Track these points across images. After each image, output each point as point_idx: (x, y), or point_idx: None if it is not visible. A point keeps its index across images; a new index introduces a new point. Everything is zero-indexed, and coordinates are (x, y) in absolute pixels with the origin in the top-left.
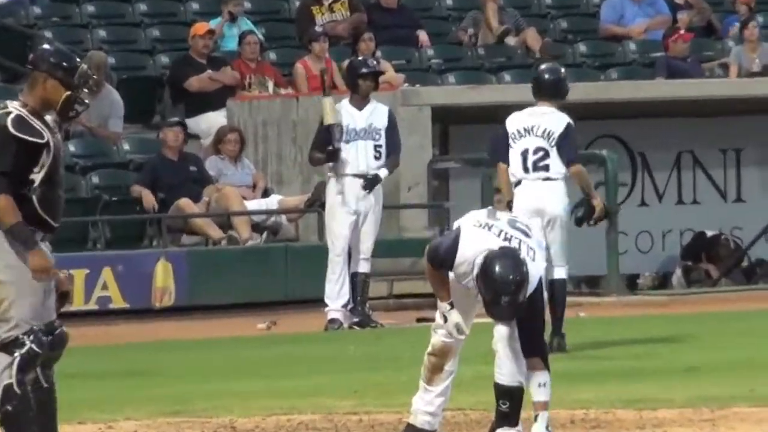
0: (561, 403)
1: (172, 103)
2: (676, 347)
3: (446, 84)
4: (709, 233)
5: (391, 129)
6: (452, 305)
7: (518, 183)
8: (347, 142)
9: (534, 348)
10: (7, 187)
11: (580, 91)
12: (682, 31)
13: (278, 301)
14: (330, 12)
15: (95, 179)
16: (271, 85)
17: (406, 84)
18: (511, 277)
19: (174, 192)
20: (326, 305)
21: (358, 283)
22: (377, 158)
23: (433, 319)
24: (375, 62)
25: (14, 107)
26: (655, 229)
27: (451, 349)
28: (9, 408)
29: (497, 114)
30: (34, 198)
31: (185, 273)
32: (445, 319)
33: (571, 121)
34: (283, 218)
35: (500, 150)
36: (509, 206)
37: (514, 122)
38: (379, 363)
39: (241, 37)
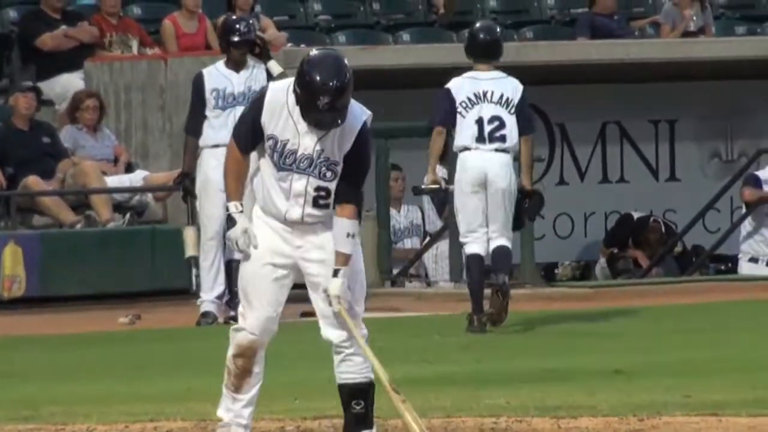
0: (468, 410)
1: (22, 63)
2: (601, 347)
3: (336, 44)
4: (637, 215)
5: None
6: (242, 208)
7: (463, 149)
8: (223, 108)
9: (350, 195)
10: None
11: None
12: None
13: (143, 291)
14: None
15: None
16: (135, 44)
17: (290, 44)
18: (332, 80)
19: (24, 167)
20: (198, 297)
21: (234, 271)
22: None
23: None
24: (251, 24)
25: None
26: (576, 212)
27: (258, 345)
28: None
29: (396, 78)
30: None
31: (37, 259)
32: (231, 224)
33: (523, 87)
34: (150, 197)
35: (443, 114)
36: (435, 182)
37: (462, 89)
38: None
39: None
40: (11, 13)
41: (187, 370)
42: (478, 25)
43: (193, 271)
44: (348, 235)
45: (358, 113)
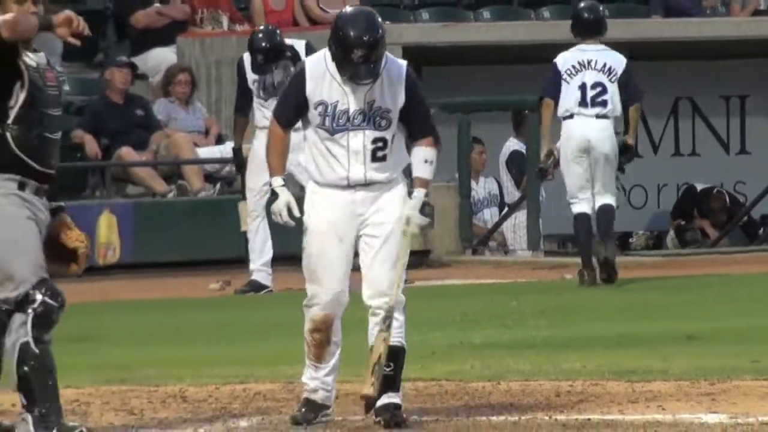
0: (545, 373)
1: (117, 39)
2: (673, 313)
3: (420, 21)
4: (700, 186)
5: None
6: (285, 183)
7: (568, 117)
8: (266, 99)
9: (425, 129)
10: None
11: (566, 30)
12: None
13: (233, 258)
14: None
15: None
16: (225, 20)
17: None
18: (365, 36)
19: (119, 138)
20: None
21: None
22: None
23: None
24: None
25: None
26: (649, 184)
27: (332, 318)
28: (26, 369)
29: (476, 54)
30: (9, 136)
31: (131, 227)
32: (275, 197)
33: (627, 60)
34: None
35: (551, 86)
36: (550, 154)
37: (567, 60)
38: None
39: None
40: None
41: (276, 334)
42: (582, 5)
43: (249, 243)
44: (426, 161)
45: (399, 62)
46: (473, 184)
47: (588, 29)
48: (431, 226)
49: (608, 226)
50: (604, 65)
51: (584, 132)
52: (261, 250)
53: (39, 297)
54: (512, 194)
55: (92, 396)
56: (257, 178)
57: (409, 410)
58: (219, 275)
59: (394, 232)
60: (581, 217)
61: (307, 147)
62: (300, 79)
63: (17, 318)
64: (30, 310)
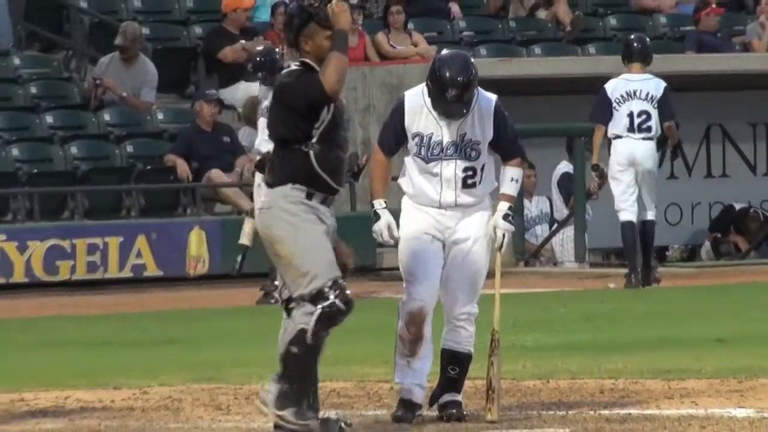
0: (590, 372)
1: (206, 73)
2: (705, 318)
3: (478, 56)
4: (738, 206)
5: None
6: (386, 206)
7: (616, 137)
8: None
9: (512, 151)
10: None
11: (610, 64)
12: (713, 6)
13: None
14: None
15: (129, 148)
16: None
17: None
18: (459, 77)
19: (207, 162)
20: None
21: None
22: None
23: None
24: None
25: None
26: (684, 202)
27: (426, 311)
28: (295, 350)
29: (528, 86)
30: (313, 153)
31: (218, 241)
32: (376, 219)
33: (667, 85)
34: None
35: (601, 113)
36: (595, 168)
37: (615, 88)
38: None
39: (274, 8)
40: (197, 30)
41: (348, 338)
42: (632, 36)
43: (239, 257)
44: (512, 179)
45: (489, 97)
46: (526, 202)
47: (637, 56)
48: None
49: (650, 238)
50: (647, 94)
51: (631, 150)
52: None
53: (332, 298)
54: (561, 212)
55: (183, 393)
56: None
57: (468, 406)
58: None
59: (476, 249)
60: (627, 225)
61: (406, 171)
62: (399, 111)
63: (307, 307)
64: (320, 308)
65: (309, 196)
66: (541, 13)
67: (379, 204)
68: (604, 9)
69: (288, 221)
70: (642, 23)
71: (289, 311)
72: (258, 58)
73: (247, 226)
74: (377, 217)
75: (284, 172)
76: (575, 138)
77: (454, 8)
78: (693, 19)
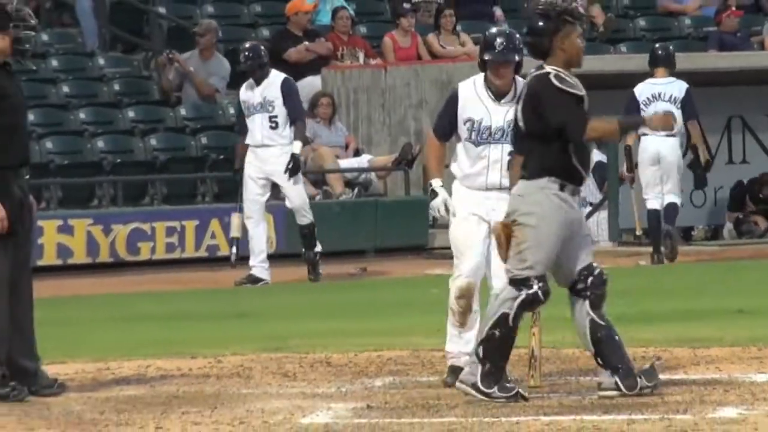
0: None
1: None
2: (727, 292)
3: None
4: (746, 179)
5: (286, 98)
6: (443, 185)
7: (644, 135)
8: (248, 117)
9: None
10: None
11: (639, 62)
12: (733, 8)
13: (369, 249)
14: None
15: (203, 140)
16: (361, 56)
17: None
18: (505, 31)
19: None
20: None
21: (307, 234)
22: (273, 128)
23: None
24: (254, 53)
25: (551, 68)
26: (707, 187)
27: (474, 286)
28: (496, 333)
29: None
30: (571, 148)
31: (285, 224)
32: (434, 196)
33: (688, 86)
34: (373, 175)
35: (630, 112)
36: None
37: (642, 92)
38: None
39: (334, 12)
40: (264, 32)
41: (404, 311)
42: (657, 45)
43: (233, 249)
44: None
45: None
46: None
47: (661, 62)
48: None
49: (673, 219)
50: (671, 96)
51: (657, 147)
52: (259, 248)
53: (535, 287)
54: (595, 196)
55: (254, 362)
56: (249, 189)
57: (512, 373)
58: (357, 263)
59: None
60: (653, 213)
61: (457, 157)
62: (454, 99)
63: (507, 291)
64: (523, 293)
65: (562, 188)
66: None
67: (436, 182)
68: (634, 11)
69: (536, 213)
70: (668, 24)
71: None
72: (247, 53)
73: (236, 220)
74: (434, 194)
75: (542, 165)
76: None
77: (498, 12)
78: (714, 21)
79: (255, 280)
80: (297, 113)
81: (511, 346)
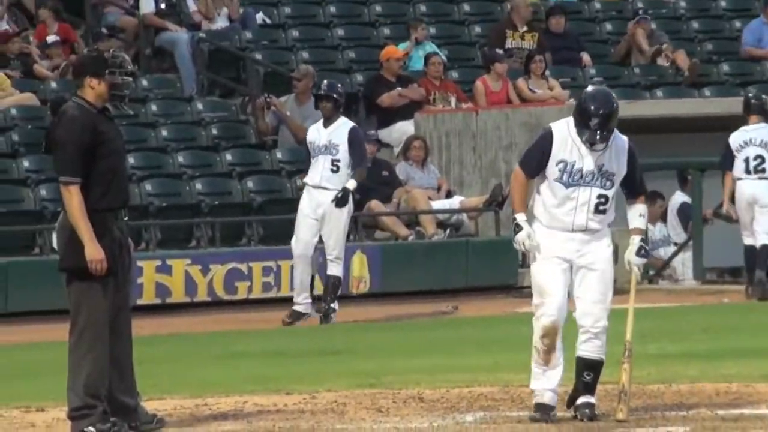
0: (707, 377)
1: (366, 115)
2: None
3: None
4: None
5: (352, 145)
6: (527, 219)
7: (739, 179)
8: (313, 157)
9: (639, 189)
10: None
11: (724, 106)
12: None
13: (460, 288)
14: (521, 39)
15: (299, 182)
16: (453, 100)
17: (572, 99)
18: (602, 109)
19: (369, 194)
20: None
21: (332, 284)
22: (334, 171)
23: None
24: (332, 86)
25: None
26: None
27: (558, 325)
28: None
29: (652, 125)
30: None
31: (379, 264)
32: (517, 230)
33: None
34: (465, 216)
35: (727, 162)
36: (718, 214)
37: (737, 138)
38: None
39: (427, 58)
40: (358, 77)
41: (494, 348)
42: (750, 94)
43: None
44: (640, 215)
45: (623, 137)
46: (650, 227)
47: (753, 109)
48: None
49: (764, 262)
50: (761, 141)
51: (750, 189)
52: (303, 286)
53: None
54: (680, 235)
55: (348, 398)
56: (301, 228)
57: (599, 407)
58: (449, 300)
59: (605, 270)
60: (748, 248)
61: (540, 197)
62: (548, 139)
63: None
64: None
65: None
66: (662, 60)
67: (520, 217)
68: (718, 56)
69: None
70: (751, 69)
71: None
72: (329, 84)
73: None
74: (518, 228)
75: None
76: (690, 170)
77: (585, 57)
78: None
79: (299, 315)
80: (360, 161)
81: None
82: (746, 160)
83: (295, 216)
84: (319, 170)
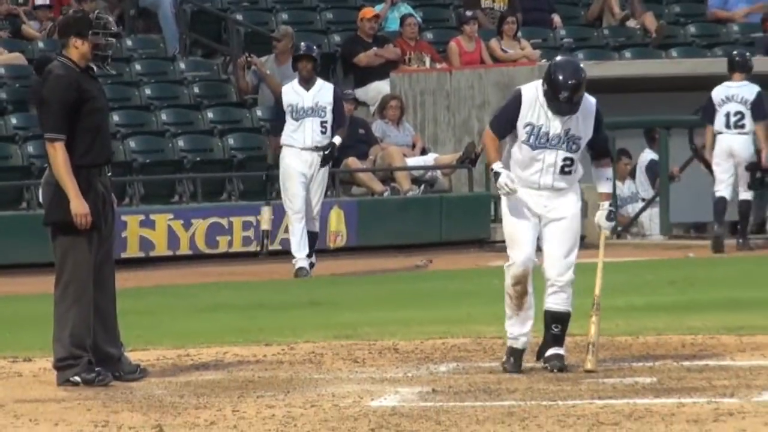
0: (673, 329)
1: (344, 75)
2: None
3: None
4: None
5: (336, 105)
6: (503, 166)
7: (719, 133)
8: (296, 119)
9: (604, 152)
10: None
11: (689, 66)
12: None
13: (434, 242)
14: (493, 0)
15: (272, 147)
16: (428, 60)
17: (543, 60)
18: (570, 80)
19: (345, 151)
20: (293, 257)
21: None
22: (323, 133)
23: None
24: (311, 47)
25: None
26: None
27: (528, 272)
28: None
29: (619, 85)
30: None
31: (355, 219)
32: (497, 177)
33: (760, 89)
34: (438, 173)
35: (708, 115)
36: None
37: (719, 93)
38: None
39: (402, 19)
40: (336, 38)
41: (467, 301)
42: (734, 51)
43: (265, 241)
44: (607, 178)
45: (591, 100)
46: (618, 184)
47: (736, 67)
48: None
49: (746, 218)
50: (742, 98)
51: (729, 143)
52: (299, 244)
53: None
54: (648, 192)
55: (325, 348)
56: (295, 184)
57: (569, 359)
58: (423, 254)
59: (570, 225)
60: (720, 199)
61: (512, 157)
62: (516, 102)
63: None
64: None
65: None
66: (631, 23)
67: (497, 165)
68: (685, 18)
69: None
70: (717, 30)
71: None
72: (310, 45)
73: (266, 214)
74: (497, 175)
75: None
76: (658, 129)
77: (556, 19)
78: (761, 27)
79: (306, 271)
80: (343, 120)
81: None
82: (727, 115)
83: (275, 171)
84: (308, 133)
